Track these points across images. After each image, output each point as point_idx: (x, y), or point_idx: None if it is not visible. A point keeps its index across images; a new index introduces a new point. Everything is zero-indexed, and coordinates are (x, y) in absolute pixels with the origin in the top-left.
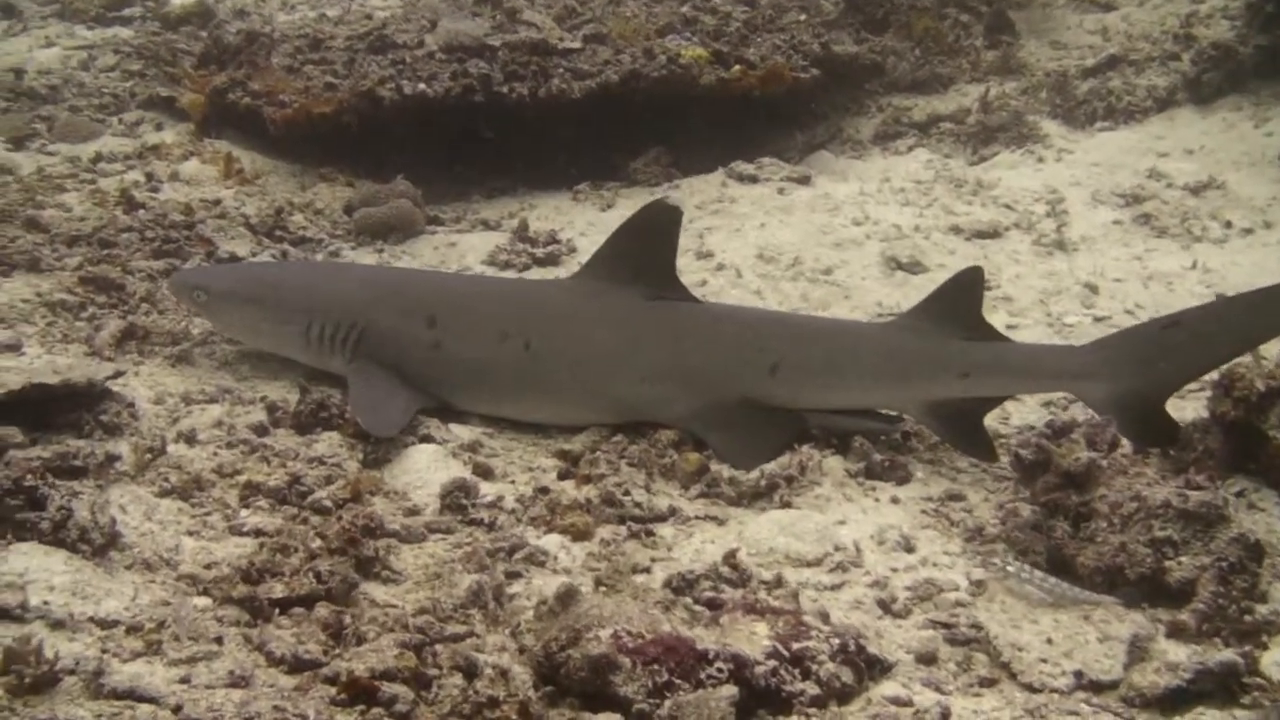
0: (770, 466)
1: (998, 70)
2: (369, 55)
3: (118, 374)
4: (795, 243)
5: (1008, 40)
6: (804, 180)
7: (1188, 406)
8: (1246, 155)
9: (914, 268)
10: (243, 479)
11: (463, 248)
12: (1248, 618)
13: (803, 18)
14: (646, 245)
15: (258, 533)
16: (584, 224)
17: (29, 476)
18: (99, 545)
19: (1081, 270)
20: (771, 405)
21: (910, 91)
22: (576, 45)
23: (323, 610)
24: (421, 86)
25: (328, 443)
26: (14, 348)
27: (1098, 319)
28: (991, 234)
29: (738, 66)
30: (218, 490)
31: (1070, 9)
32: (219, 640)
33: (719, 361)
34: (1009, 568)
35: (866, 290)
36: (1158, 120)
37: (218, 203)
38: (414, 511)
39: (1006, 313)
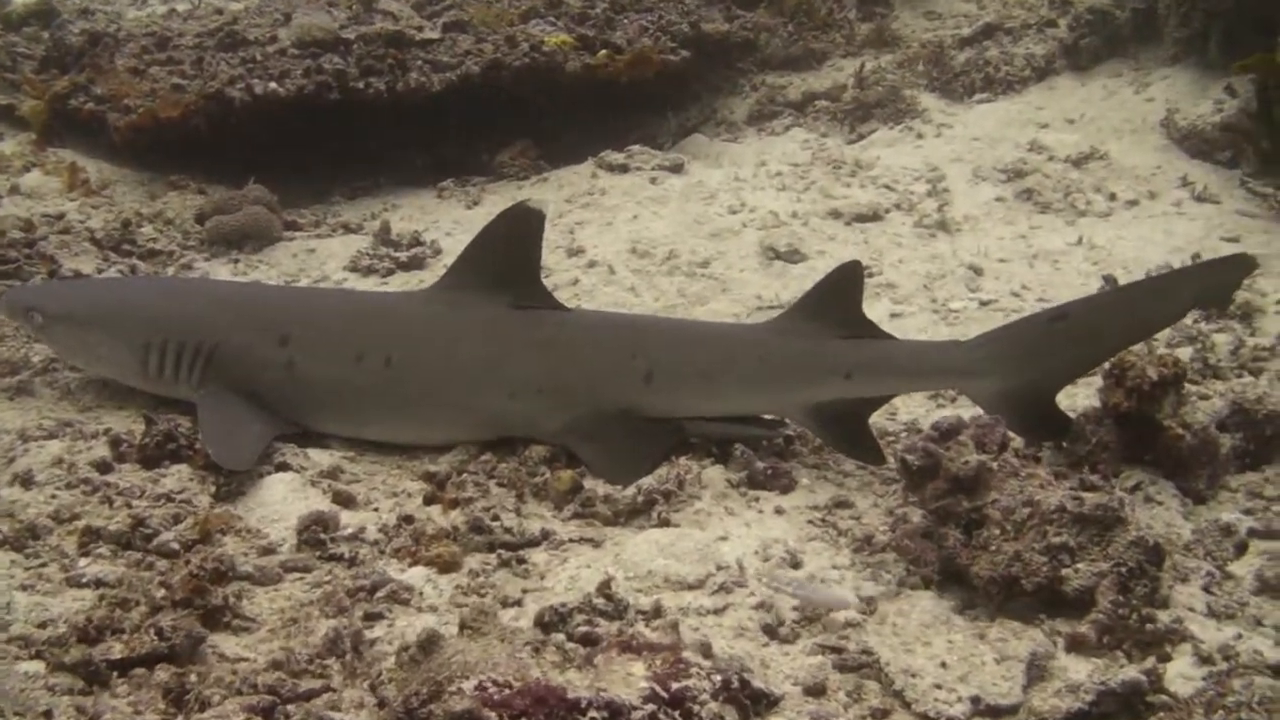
0: (647, 481)
1: (873, 43)
2: (218, 53)
3: None
4: (670, 235)
5: (881, 12)
6: (677, 168)
7: (1079, 394)
8: (1128, 123)
9: (793, 256)
10: (82, 524)
11: (323, 254)
12: (1149, 626)
13: None
14: (509, 251)
15: (98, 584)
16: (449, 223)
17: None
18: None
19: (965, 252)
20: (647, 415)
21: (784, 69)
22: (435, 35)
23: (163, 673)
24: (273, 85)
25: (176, 477)
26: None
27: (983, 303)
28: (872, 217)
29: (604, 52)
30: (55, 537)
31: None
32: (48, 714)
33: (590, 372)
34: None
35: (745, 282)
36: (1037, 90)
37: (61, 216)
38: (269, 550)
39: (890, 300)
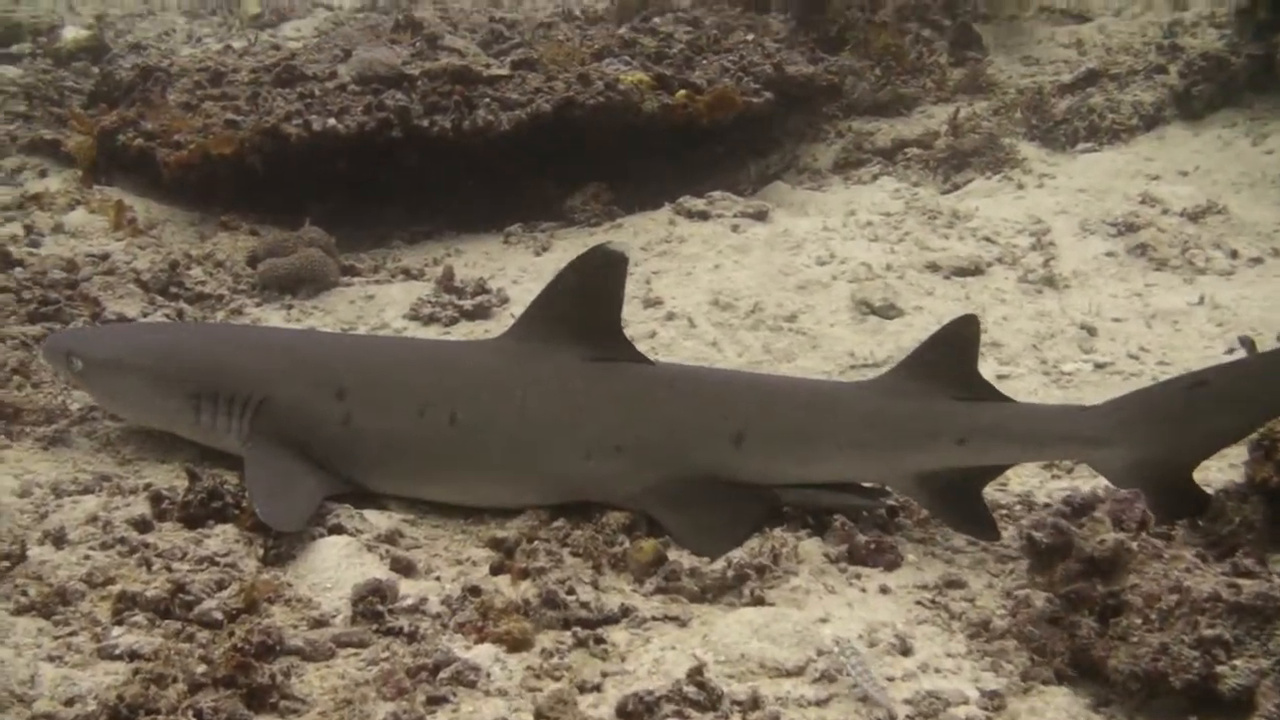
0: (738, 554)
1: (966, 89)
2: (275, 89)
3: None
4: (754, 286)
5: (975, 56)
6: (760, 215)
7: (1211, 468)
8: (1245, 176)
9: (888, 311)
10: (117, 588)
11: (382, 300)
12: None
13: (750, 37)
14: (587, 298)
15: (132, 655)
16: (516, 270)
17: None
18: None
19: (1075, 310)
20: (737, 481)
21: (872, 114)
22: (504, 72)
23: None
24: (332, 122)
25: (221, 538)
26: None
27: (1099, 365)
28: (973, 271)
29: (683, 91)
30: (86, 603)
31: (1041, 21)
32: None
33: (675, 431)
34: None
35: (836, 338)
36: (1146, 139)
37: (105, 257)
38: (321, 621)
39: (995, 360)
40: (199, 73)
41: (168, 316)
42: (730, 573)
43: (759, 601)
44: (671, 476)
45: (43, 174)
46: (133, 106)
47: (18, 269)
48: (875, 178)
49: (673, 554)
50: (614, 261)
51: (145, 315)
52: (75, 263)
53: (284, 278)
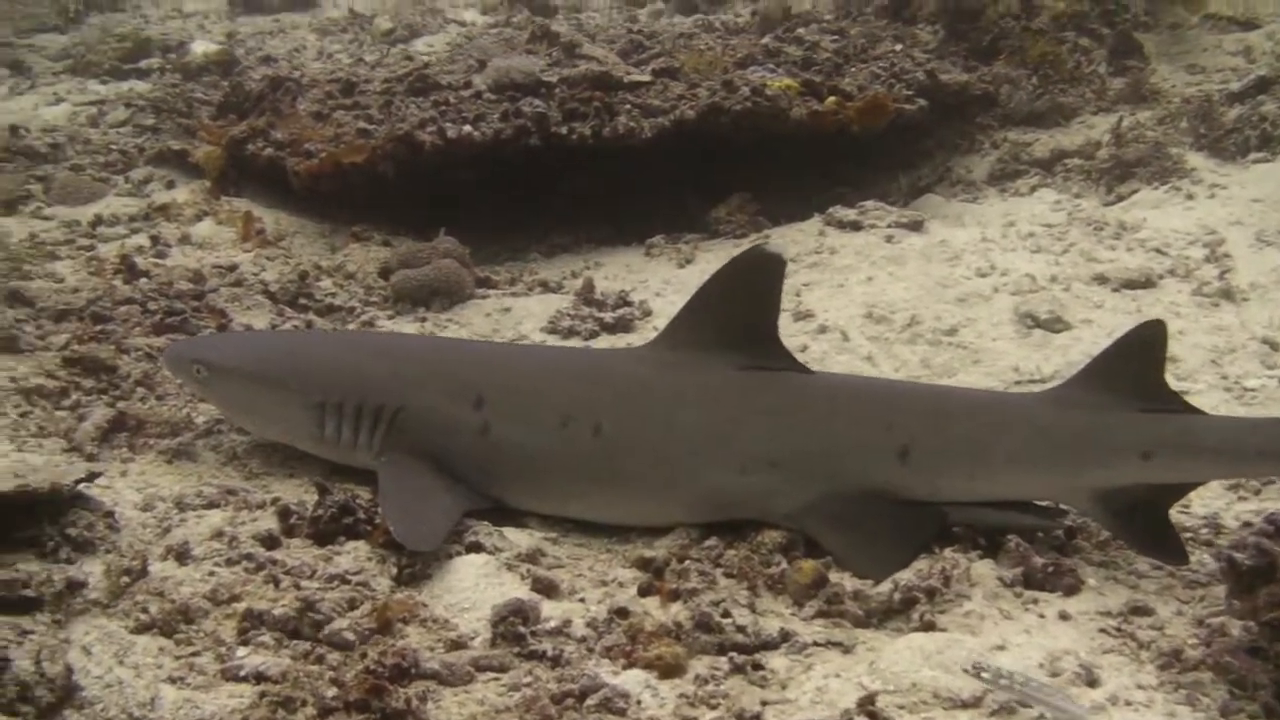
0: (905, 576)
1: (1127, 98)
2: (408, 98)
3: (92, 476)
4: (910, 299)
5: (1136, 65)
6: (916, 226)
7: None
8: None
9: (1054, 324)
10: (242, 606)
11: (519, 313)
12: None
13: (899, 47)
14: (742, 302)
15: (258, 677)
16: (659, 283)
17: None
18: (46, 705)
19: (1256, 323)
20: (902, 498)
21: (1028, 125)
22: (645, 78)
23: None
24: (467, 129)
25: (352, 556)
26: None
27: None
28: (1143, 283)
29: (832, 98)
30: (210, 621)
31: (1205, 29)
32: None
33: (836, 444)
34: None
35: (999, 353)
36: None
37: (233, 268)
38: (459, 644)
39: (1173, 375)
40: (330, 83)
41: (296, 328)
42: (897, 595)
43: (929, 627)
44: (832, 493)
45: (170, 185)
46: (262, 116)
47: (143, 280)
48: (1033, 189)
49: (834, 575)
50: (770, 263)
51: (273, 327)
52: (202, 274)
53: (417, 289)
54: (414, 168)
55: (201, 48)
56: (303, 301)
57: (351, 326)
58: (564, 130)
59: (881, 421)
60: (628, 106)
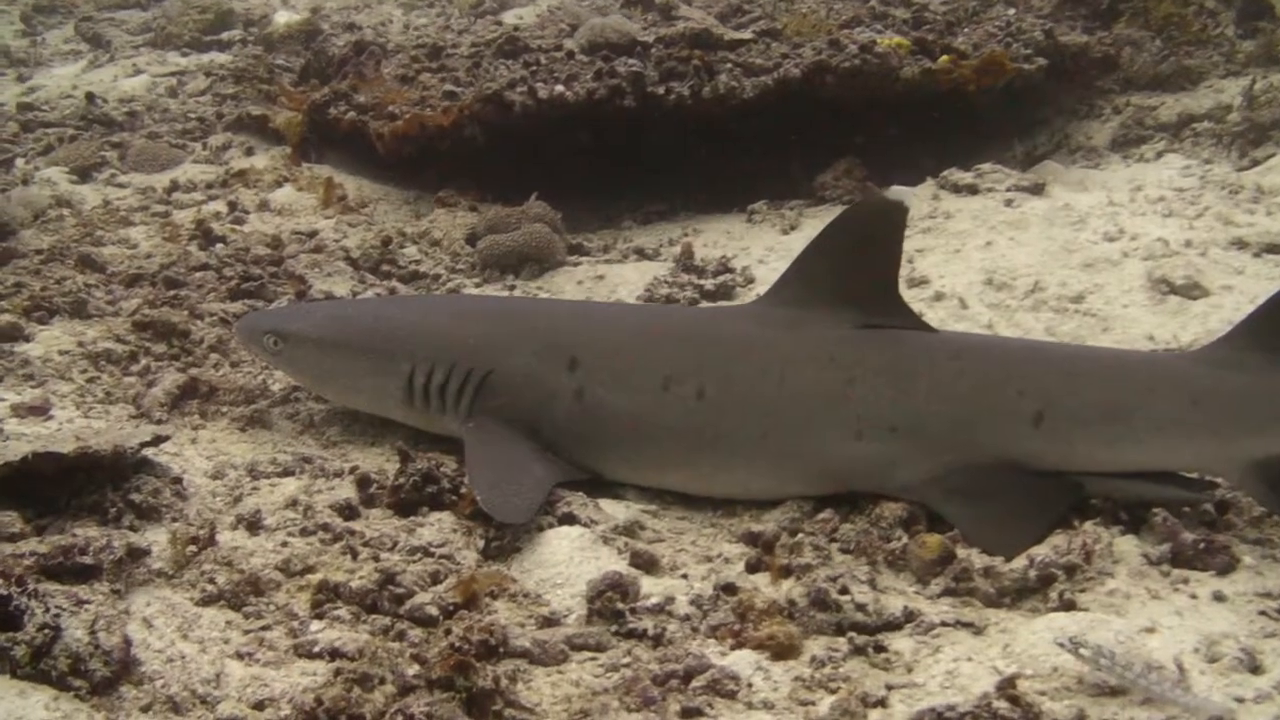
0: (1041, 552)
1: (1258, 61)
2: (497, 59)
3: (158, 440)
4: (1032, 264)
5: (1267, 26)
6: (1037, 189)
7: None
8: None
9: (1191, 290)
10: (316, 578)
11: (613, 280)
12: None
13: (1012, 11)
14: (859, 256)
15: (333, 654)
16: (761, 250)
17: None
18: (101, 679)
19: None
20: (1035, 467)
21: (1152, 89)
22: (747, 36)
23: None
24: (559, 89)
25: (436, 527)
26: (40, 410)
27: None
28: None
29: (946, 56)
30: (282, 594)
31: None
32: None
33: (963, 409)
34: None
35: (1131, 320)
36: None
37: (313, 234)
38: (551, 620)
39: None
40: (416, 48)
41: (379, 295)
42: (1033, 573)
43: (1069, 607)
44: (958, 462)
45: (249, 151)
46: (345, 80)
47: (219, 245)
48: (1159, 155)
49: (961, 551)
50: (891, 211)
51: (355, 294)
52: (280, 239)
53: (506, 256)
54: (503, 130)
55: (284, 18)
56: (385, 268)
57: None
58: (661, 90)
59: (1013, 384)
60: (728, 65)
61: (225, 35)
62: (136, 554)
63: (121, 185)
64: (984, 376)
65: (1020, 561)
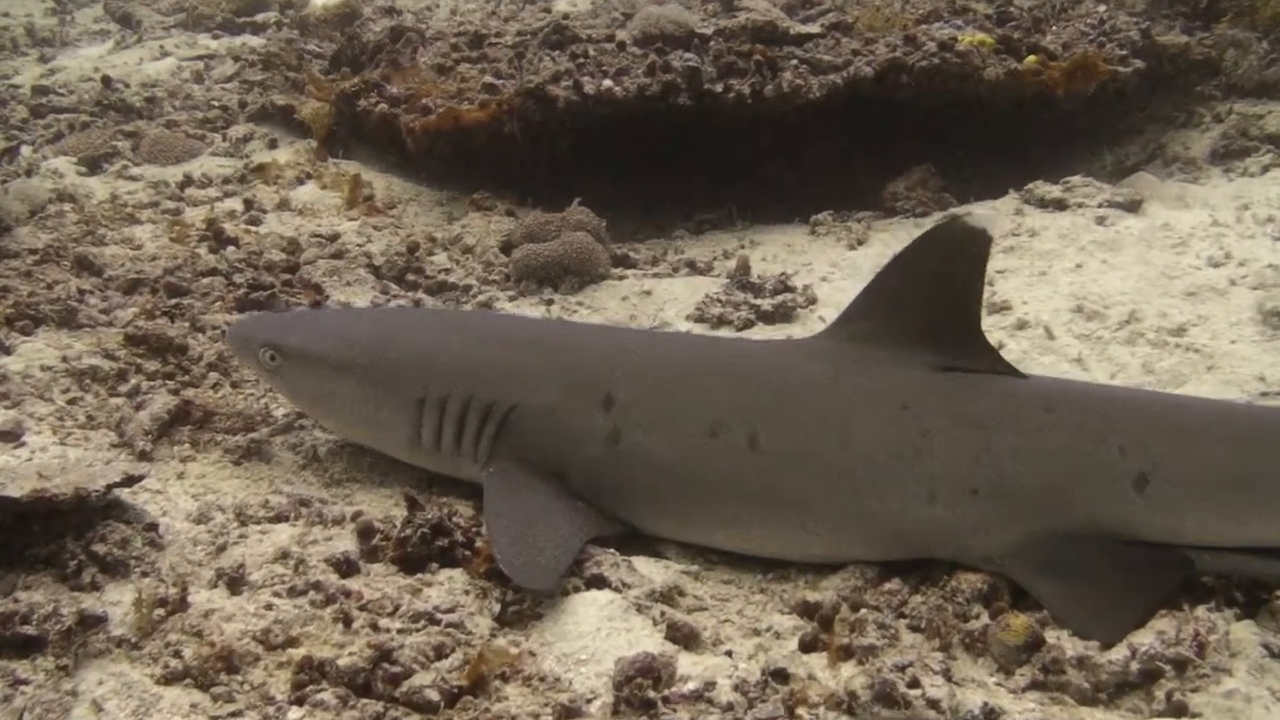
0: (1145, 641)
1: None
2: (543, 50)
3: (130, 480)
4: (1128, 291)
5: None
6: (1132, 206)
7: None
8: None
9: None
10: (300, 653)
11: (661, 296)
12: None
13: (1102, 8)
14: (937, 286)
15: None
16: (825, 266)
17: None
18: None
19: None
20: (1138, 538)
21: (1258, 95)
22: (815, 30)
23: None
24: (608, 84)
25: (446, 588)
26: (12, 436)
27: None
28: None
29: (1033, 56)
30: (259, 671)
31: None
32: None
33: (1055, 469)
34: None
35: (1240, 358)
36: None
37: (334, 237)
38: (572, 710)
39: None
40: (457, 36)
41: (386, 307)
42: (1135, 665)
43: (1180, 711)
44: (1048, 530)
45: (272, 144)
46: (377, 69)
47: (230, 249)
48: (1265, 169)
49: (1051, 634)
50: (973, 239)
51: (374, 306)
52: (298, 243)
53: (544, 267)
54: (545, 127)
55: (321, 0)
56: (411, 277)
57: (467, 307)
58: (719, 88)
59: (1114, 440)
60: (794, 62)
61: (260, 17)
62: (90, 622)
63: (133, 178)
64: (1080, 431)
65: (1120, 652)
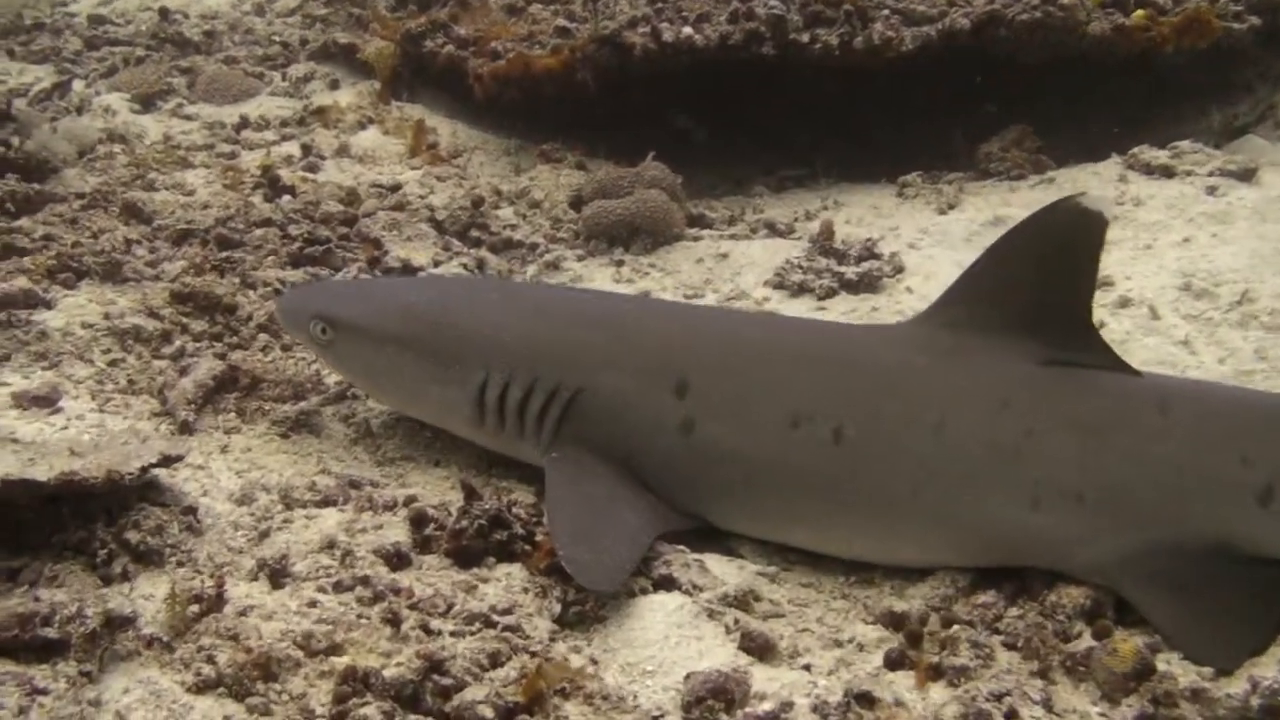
0: (1269, 675)
1: None
2: None
3: (167, 460)
4: (1241, 268)
5: None
6: (1246, 175)
7: None
8: None
9: None
10: (343, 661)
11: (738, 260)
12: None
13: None
14: (1046, 273)
15: None
16: (914, 231)
17: None
18: None
19: None
20: (1260, 554)
21: None
22: None
23: None
24: (688, 31)
25: (503, 584)
26: (48, 402)
27: None
28: None
29: (1141, 10)
30: (299, 679)
31: None
32: None
33: (1171, 477)
34: None
35: None
36: None
37: (396, 188)
38: None
39: None
40: None
41: (465, 267)
42: (1256, 700)
43: None
44: (1160, 542)
45: (333, 85)
46: (445, 8)
47: (286, 198)
48: None
49: (1163, 661)
50: (1089, 222)
51: (437, 264)
52: (357, 193)
53: (615, 225)
54: (620, 76)
55: None
56: (475, 234)
57: (532, 266)
58: (805, 38)
59: (1236, 447)
60: (885, 13)
61: None
62: (117, 624)
63: (188, 117)
64: (1199, 436)
65: (1239, 685)
